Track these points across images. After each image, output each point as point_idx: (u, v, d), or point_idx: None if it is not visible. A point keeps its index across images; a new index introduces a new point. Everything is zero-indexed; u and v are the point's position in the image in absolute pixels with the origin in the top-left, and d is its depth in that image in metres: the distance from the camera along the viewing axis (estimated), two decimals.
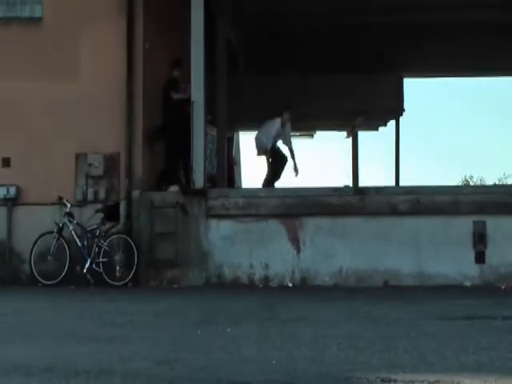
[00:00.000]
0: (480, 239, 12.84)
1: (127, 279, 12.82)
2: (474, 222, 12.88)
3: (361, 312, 8.86)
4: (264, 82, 18.54)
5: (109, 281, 12.83)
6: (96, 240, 13.02)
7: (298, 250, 13.07)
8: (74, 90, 13.64)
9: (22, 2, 13.95)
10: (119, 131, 13.48)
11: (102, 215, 13.20)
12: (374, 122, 22.22)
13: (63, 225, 13.12)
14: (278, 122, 15.54)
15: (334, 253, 12.99)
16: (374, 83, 19.04)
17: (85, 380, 4.91)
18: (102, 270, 12.91)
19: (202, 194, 13.25)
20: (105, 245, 13.01)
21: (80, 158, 13.60)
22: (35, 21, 13.89)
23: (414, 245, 12.88)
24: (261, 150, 15.63)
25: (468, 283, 12.69)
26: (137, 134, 13.57)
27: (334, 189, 13.55)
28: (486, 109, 54.53)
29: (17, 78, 13.75)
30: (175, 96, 13.97)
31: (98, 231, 13.08)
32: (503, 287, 12.38)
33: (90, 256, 12.95)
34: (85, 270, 12.93)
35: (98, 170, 13.51)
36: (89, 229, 13.16)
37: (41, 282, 12.91)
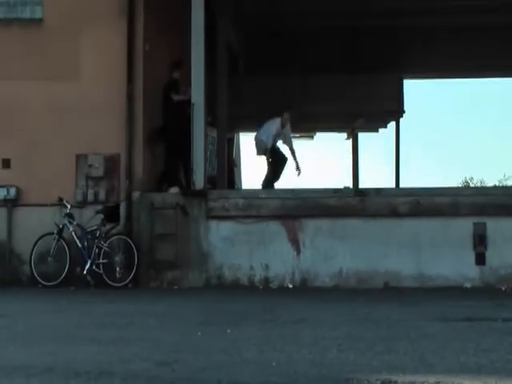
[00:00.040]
0: (480, 241, 12.84)
1: (127, 280, 12.81)
2: (475, 224, 12.87)
3: (361, 313, 8.86)
4: (264, 82, 18.55)
5: (109, 282, 12.82)
6: (96, 241, 13.02)
7: (298, 251, 13.07)
8: (75, 91, 13.65)
9: (22, 3, 13.96)
10: (119, 132, 13.48)
11: (102, 216, 13.19)
12: (375, 123, 22.23)
13: (63, 226, 13.12)
14: (278, 121, 15.52)
15: (334, 254, 12.99)
16: (374, 84, 19.05)
17: (85, 381, 4.91)
18: (102, 271, 12.90)
19: (202, 195, 13.25)
20: (105, 246, 13.01)
21: (80, 158, 13.61)
22: (36, 22, 13.90)
23: (414, 246, 12.88)
24: (260, 150, 15.62)
25: (468, 285, 12.68)
26: (137, 135, 13.58)
27: (334, 190, 13.53)
28: (486, 110, 54.57)
29: (17, 79, 13.75)
30: (175, 97, 13.98)
31: (98, 232, 13.07)
32: (503, 289, 12.38)
33: (90, 257, 12.95)
34: (85, 271, 12.93)
35: (99, 171, 13.51)
36: (89, 230, 13.16)
37: (41, 283, 12.90)
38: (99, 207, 13.40)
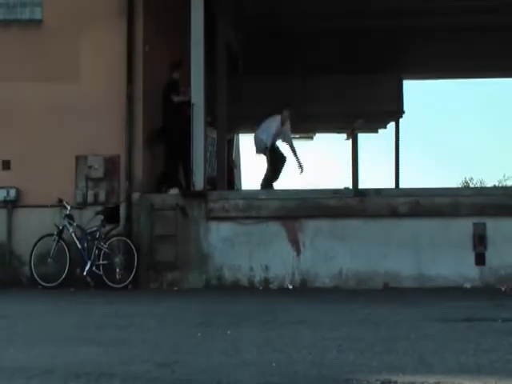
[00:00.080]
0: (480, 241, 12.84)
1: (127, 281, 12.81)
2: (474, 224, 12.88)
3: (361, 314, 8.86)
4: (264, 82, 18.55)
5: (109, 283, 12.82)
6: (96, 242, 13.02)
7: (298, 252, 13.07)
8: (74, 92, 13.65)
9: (22, 5, 13.96)
10: (119, 133, 13.48)
11: (102, 217, 13.20)
12: (374, 124, 22.24)
13: (63, 227, 13.12)
14: (277, 119, 15.48)
15: (333, 255, 12.99)
16: (373, 85, 19.05)
17: (85, 383, 4.91)
18: (102, 273, 12.90)
19: (202, 196, 13.26)
20: (105, 247, 13.01)
21: (80, 160, 13.61)
22: (35, 23, 13.90)
23: (414, 247, 12.88)
24: (260, 148, 15.58)
25: (468, 285, 12.69)
26: (137, 136, 13.57)
27: (334, 191, 13.54)
28: (485, 111, 54.61)
29: (17, 81, 13.76)
30: (175, 98, 13.98)
31: (98, 233, 13.07)
32: (503, 289, 12.38)
33: (90, 258, 12.95)
34: (85, 273, 12.93)
35: (98, 173, 13.51)
36: (89, 231, 13.16)
37: (41, 285, 12.90)
38: (99, 208, 13.40)
